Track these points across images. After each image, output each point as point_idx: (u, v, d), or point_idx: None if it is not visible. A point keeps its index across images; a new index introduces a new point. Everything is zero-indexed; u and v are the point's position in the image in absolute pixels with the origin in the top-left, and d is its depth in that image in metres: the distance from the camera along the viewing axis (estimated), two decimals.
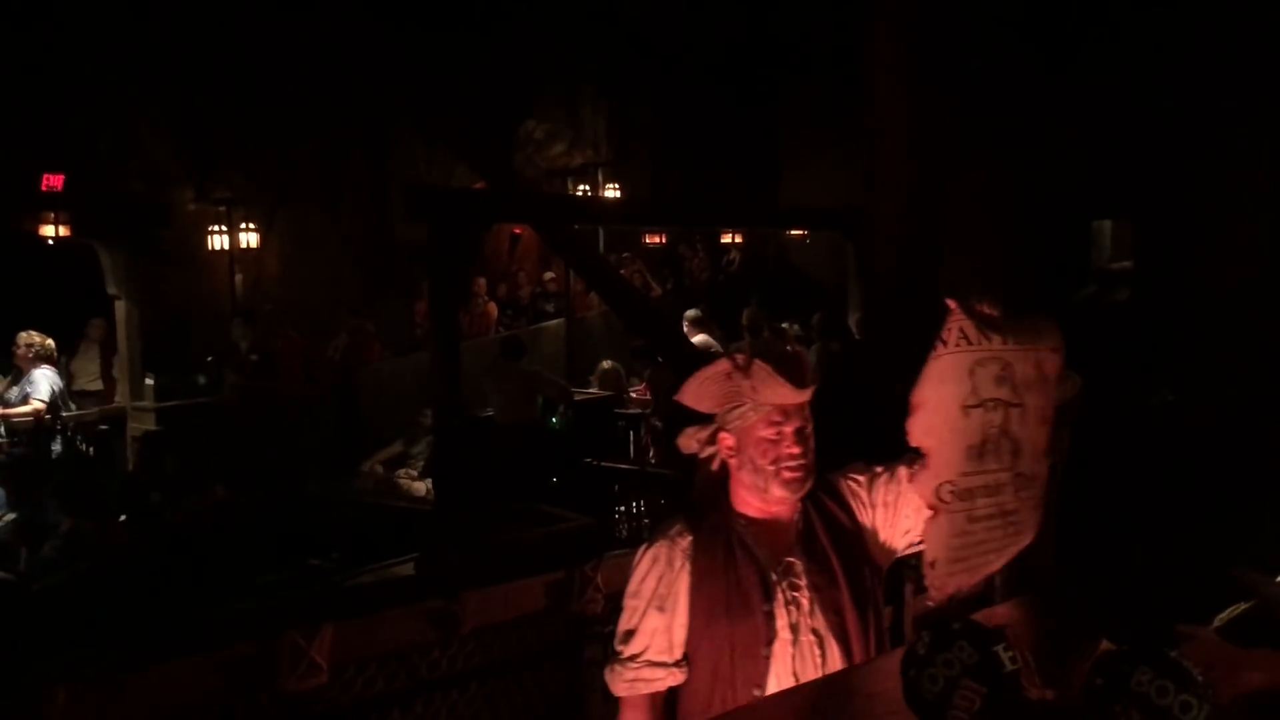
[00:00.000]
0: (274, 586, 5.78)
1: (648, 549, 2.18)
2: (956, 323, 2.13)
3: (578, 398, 8.96)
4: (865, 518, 2.20)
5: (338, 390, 10.01)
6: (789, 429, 2.10)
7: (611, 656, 2.20)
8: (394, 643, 2.79)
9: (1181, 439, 6.05)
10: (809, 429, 2.13)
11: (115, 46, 9.69)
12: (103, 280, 9.75)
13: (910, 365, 2.20)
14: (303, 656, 2.58)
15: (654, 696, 2.15)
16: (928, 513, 2.12)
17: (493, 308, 12.30)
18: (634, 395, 9.36)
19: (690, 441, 2.22)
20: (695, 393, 2.16)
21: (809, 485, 2.13)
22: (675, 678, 2.14)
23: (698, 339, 8.88)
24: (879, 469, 2.22)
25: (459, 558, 3.48)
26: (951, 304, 2.14)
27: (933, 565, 2.14)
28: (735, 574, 2.11)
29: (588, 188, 13.71)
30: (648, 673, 2.13)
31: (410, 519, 7.76)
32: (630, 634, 2.15)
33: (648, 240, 14.18)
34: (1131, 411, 6.62)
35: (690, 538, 2.15)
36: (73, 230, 9.29)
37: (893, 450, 2.23)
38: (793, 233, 13.64)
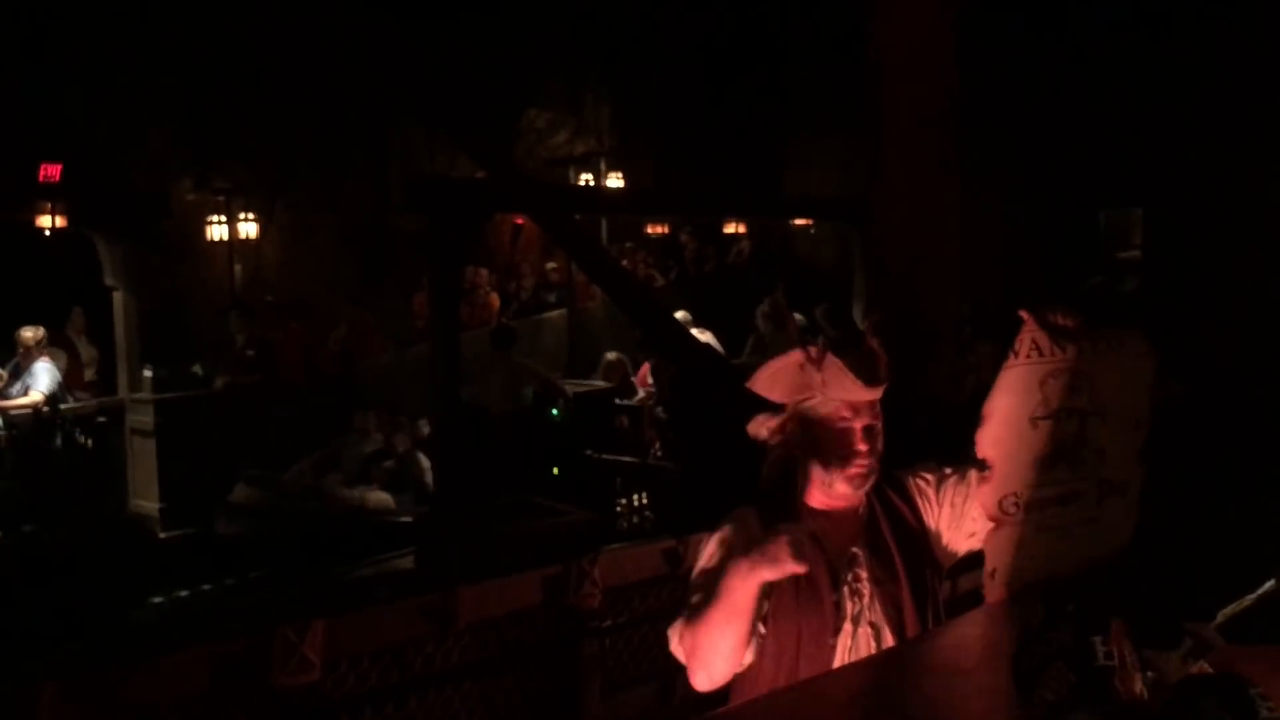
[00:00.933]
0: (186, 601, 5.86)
1: (719, 532, 2.15)
2: (1029, 334, 2.14)
3: (579, 389, 8.89)
4: (931, 517, 2.21)
5: (338, 382, 9.96)
6: (858, 425, 2.10)
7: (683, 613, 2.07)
8: (388, 638, 2.76)
9: (1191, 430, 5.99)
10: (878, 426, 2.12)
11: (114, 36, 9.62)
12: (100, 271, 9.71)
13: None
14: (294, 652, 2.55)
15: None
16: (989, 525, 2.16)
17: (495, 298, 12.23)
18: (647, 382, 9.22)
19: (760, 429, 2.22)
20: (767, 381, 2.17)
21: (873, 481, 2.14)
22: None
23: (704, 337, 8.80)
24: (949, 470, 2.23)
25: (456, 551, 3.44)
26: (1025, 315, 2.16)
27: (992, 575, 2.17)
28: (809, 564, 2.07)
29: (590, 177, 13.63)
30: None
31: (348, 528, 7.76)
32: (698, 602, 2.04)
33: (650, 230, 14.10)
34: None
35: (758, 523, 2.13)
36: (70, 221, 9.25)
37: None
38: (797, 222, 13.55)
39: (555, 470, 7.68)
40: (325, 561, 6.74)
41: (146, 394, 9.05)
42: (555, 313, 12.32)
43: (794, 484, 2.18)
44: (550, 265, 13.14)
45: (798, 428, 2.15)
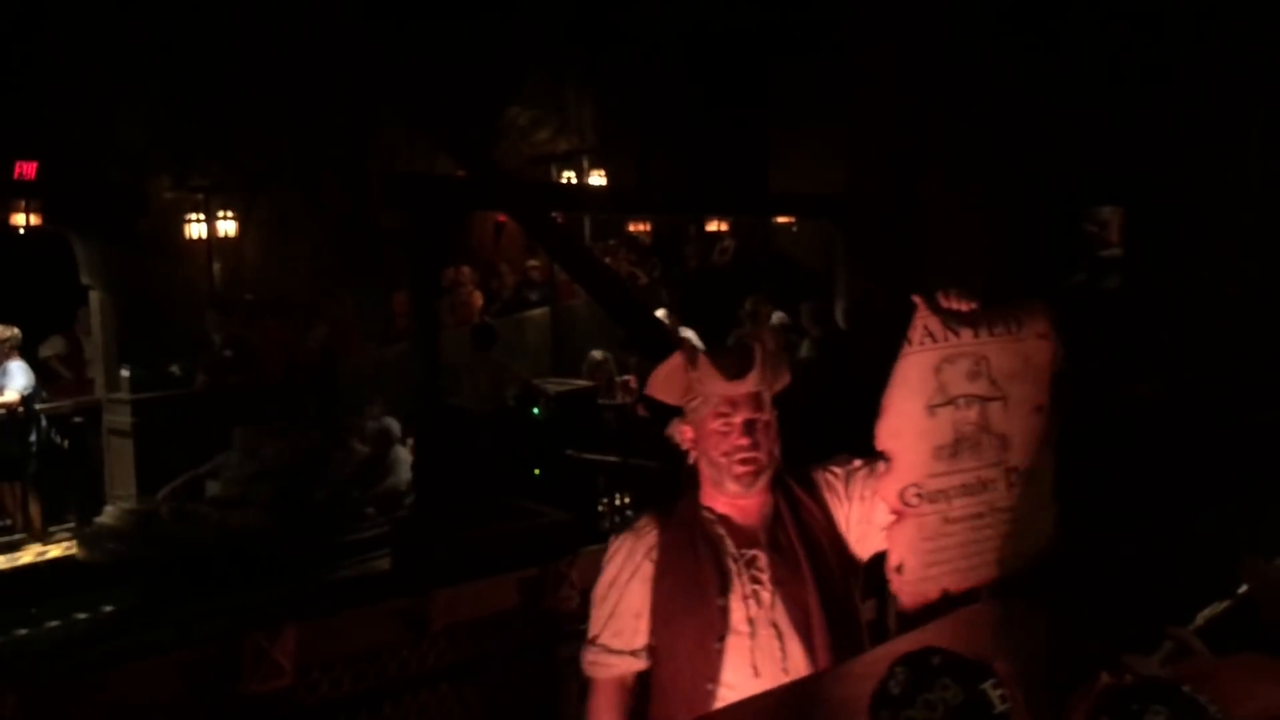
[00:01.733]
0: None
1: (616, 541, 2.21)
2: (921, 320, 2.09)
3: (561, 388, 8.85)
4: (841, 512, 2.17)
5: (318, 382, 9.88)
6: (737, 420, 2.09)
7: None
8: (361, 643, 2.74)
9: (1172, 428, 6.00)
10: (762, 421, 2.11)
11: (91, 31, 9.52)
12: (77, 270, 9.62)
13: (891, 354, 2.14)
14: (265, 658, 2.52)
15: (616, 683, 2.18)
16: (891, 518, 2.09)
17: (477, 297, 12.18)
18: (630, 384, 9.20)
19: (674, 432, 2.23)
20: (661, 385, 2.23)
21: (764, 478, 2.11)
22: (631, 665, 2.15)
23: (688, 335, 8.76)
24: (858, 462, 2.19)
25: (433, 554, 3.40)
26: (917, 300, 2.10)
27: (899, 570, 2.09)
28: (694, 567, 2.11)
29: (573, 175, 13.59)
30: (604, 657, 2.17)
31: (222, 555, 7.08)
32: (595, 618, 2.19)
33: (633, 228, 14.07)
34: (1122, 400, 6.57)
35: (656, 531, 2.17)
36: (45, 219, 9.16)
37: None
38: (780, 220, 13.54)
39: (537, 471, 7.64)
40: (191, 593, 6.27)
41: (124, 394, 8.95)
42: (538, 311, 12.28)
43: (696, 488, 2.19)
44: (532, 263, 13.10)
45: (689, 429, 2.17)
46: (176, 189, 10.79)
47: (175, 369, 9.31)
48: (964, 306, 2.11)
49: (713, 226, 14.01)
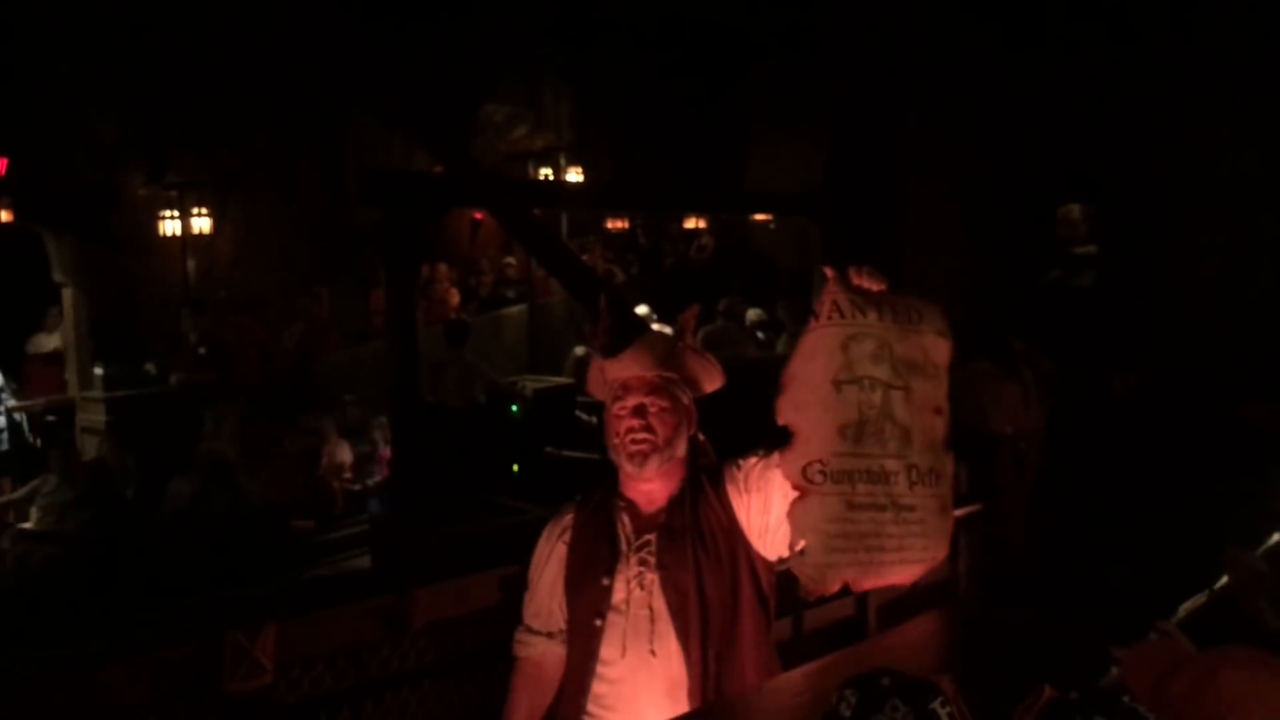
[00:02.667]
0: None
1: (547, 529, 2.36)
2: (830, 295, 2.06)
3: (539, 385, 8.84)
4: (740, 503, 2.20)
5: (293, 380, 9.82)
6: (630, 403, 2.21)
7: None
8: (342, 641, 2.72)
9: (1146, 423, 6.05)
10: (655, 406, 2.20)
11: (62, 25, 9.41)
12: (49, 267, 9.51)
13: None
14: (246, 657, 2.50)
15: (534, 663, 2.33)
16: (793, 495, 2.01)
17: (454, 294, 12.14)
18: None
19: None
20: (590, 381, 2.35)
21: (655, 461, 2.18)
22: (548, 648, 2.31)
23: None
24: (761, 453, 2.21)
25: (412, 552, 3.39)
26: (829, 273, 2.09)
27: (803, 552, 1.99)
28: (592, 548, 2.23)
29: (550, 171, 13.57)
30: (525, 636, 2.36)
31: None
32: (524, 600, 2.39)
33: (610, 225, 14.07)
34: (1096, 396, 6.63)
35: (571, 515, 2.32)
36: (16, 216, 9.04)
37: None
38: (758, 217, 13.57)
39: (515, 468, 7.62)
40: None
41: (97, 392, 8.88)
42: (515, 309, 12.26)
43: (615, 475, 2.30)
44: (508, 260, 13.07)
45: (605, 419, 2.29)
46: (150, 186, 10.68)
47: (150, 367, 9.23)
48: (874, 286, 2.08)
49: (690, 224, 14.03)
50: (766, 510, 2.14)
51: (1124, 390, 6.83)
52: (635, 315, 7.50)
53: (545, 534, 2.35)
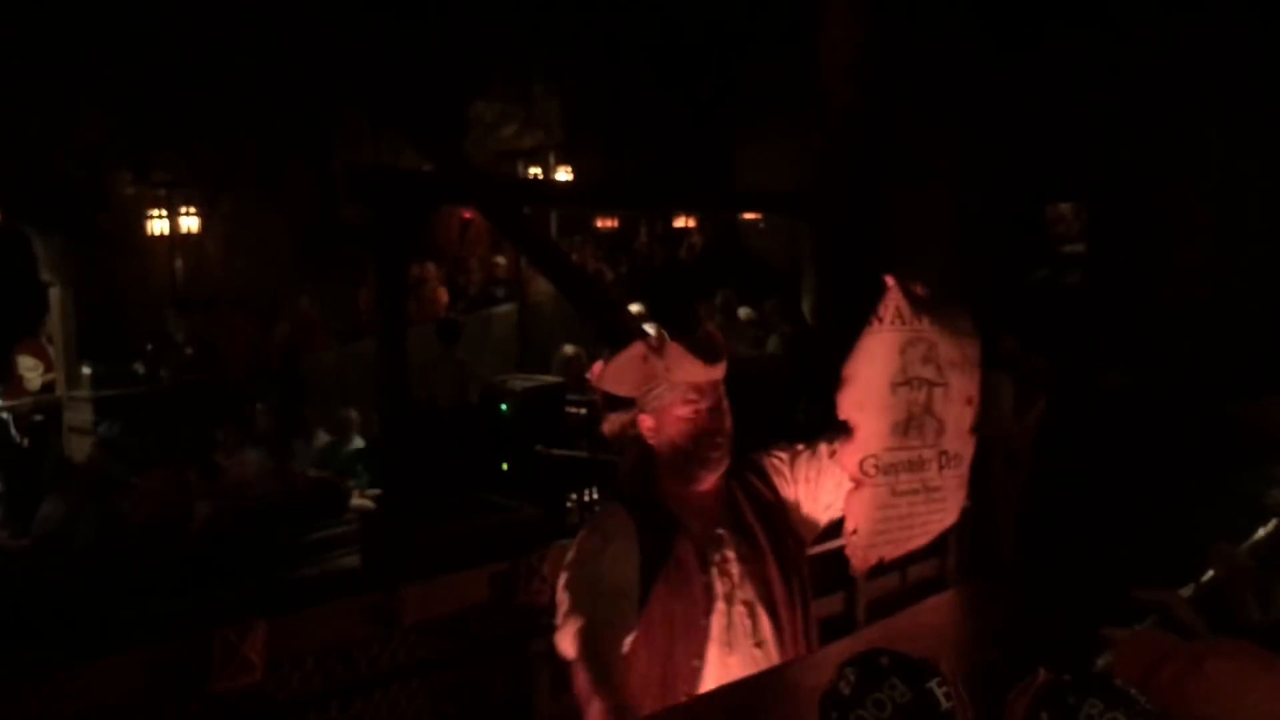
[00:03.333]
0: None
1: (588, 532, 2.20)
2: (894, 300, 2.23)
3: (529, 384, 8.82)
4: (788, 492, 2.27)
5: (282, 380, 9.79)
6: (705, 406, 2.16)
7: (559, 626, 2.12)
8: (332, 639, 2.72)
9: (1136, 420, 6.08)
10: (723, 407, 2.20)
11: (48, 22, 9.36)
12: (36, 267, 9.45)
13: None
14: (235, 654, 2.50)
15: (619, 658, 2.09)
16: (848, 485, 2.22)
17: (443, 293, 12.11)
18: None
19: (614, 426, 2.27)
20: (614, 377, 2.22)
21: (728, 462, 2.21)
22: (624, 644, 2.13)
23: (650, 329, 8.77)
24: (800, 446, 2.30)
25: (402, 550, 3.38)
26: (890, 281, 2.24)
27: (854, 533, 2.24)
28: (672, 548, 2.16)
29: (539, 170, 13.55)
30: (603, 632, 2.09)
31: None
32: (573, 600, 2.10)
33: (600, 224, 14.05)
34: (1086, 394, 6.65)
35: (627, 516, 2.19)
36: (3, 215, 9.00)
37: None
38: (748, 216, 13.57)
39: (505, 466, 7.61)
40: None
41: (85, 391, 8.82)
42: (505, 307, 12.24)
43: (652, 476, 2.24)
44: (498, 259, 13.05)
45: (649, 418, 2.20)
46: (138, 184, 10.64)
47: (138, 366, 9.19)
48: (925, 294, 2.25)
49: (680, 223, 14.03)
50: (816, 499, 2.26)
51: (1113, 388, 6.86)
52: (629, 314, 7.49)
53: (600, 533, 2.17)
